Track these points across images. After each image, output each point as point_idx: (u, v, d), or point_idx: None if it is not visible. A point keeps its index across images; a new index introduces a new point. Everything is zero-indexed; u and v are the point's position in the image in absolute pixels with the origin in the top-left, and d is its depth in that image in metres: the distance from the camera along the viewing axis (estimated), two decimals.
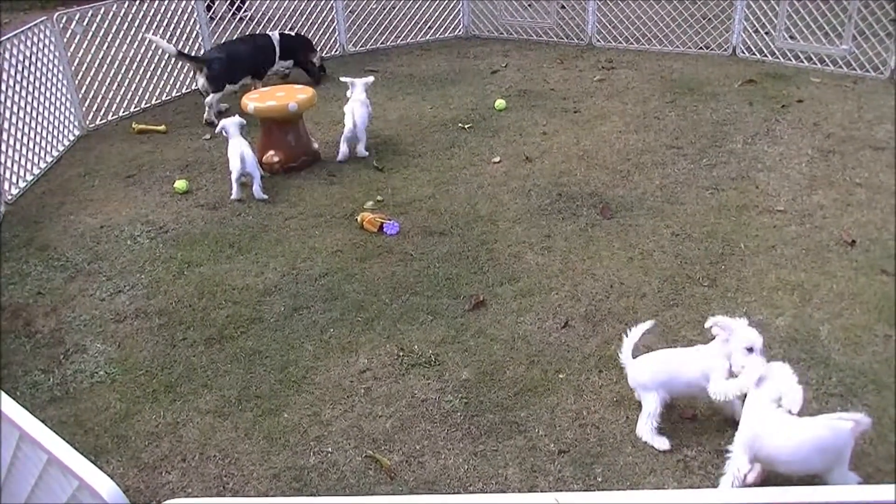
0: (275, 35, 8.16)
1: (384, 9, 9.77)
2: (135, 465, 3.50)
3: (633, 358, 3.54)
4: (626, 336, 3.54)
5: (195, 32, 8.27)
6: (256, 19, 9.57)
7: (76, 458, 1.93)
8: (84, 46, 7.87)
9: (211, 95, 7.51)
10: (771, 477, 3.19)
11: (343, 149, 6.47)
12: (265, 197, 5.88)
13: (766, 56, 8.28)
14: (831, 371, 3.78)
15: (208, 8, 9.00)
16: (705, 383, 3.37)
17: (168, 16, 8.07)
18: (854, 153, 6.00)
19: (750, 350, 3.25)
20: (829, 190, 5.48)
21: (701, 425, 3.53)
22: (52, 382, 4.06)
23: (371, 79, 6.68)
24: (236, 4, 9.44)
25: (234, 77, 7.67)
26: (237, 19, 9.60)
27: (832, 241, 4.87)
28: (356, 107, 6.45)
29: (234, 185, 5.91)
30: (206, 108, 7.53)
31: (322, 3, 9.20)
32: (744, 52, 8.45)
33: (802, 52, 8.10)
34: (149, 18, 8.01)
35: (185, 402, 3.87)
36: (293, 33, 8.41)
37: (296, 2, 9.33)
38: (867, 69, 7.62)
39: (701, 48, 8.71)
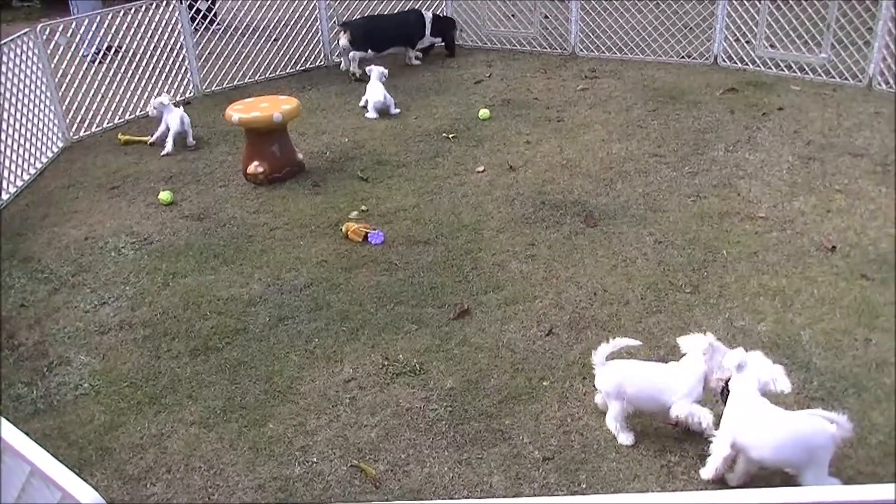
0: (427, 14, 9.35)
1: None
2: (119, 478, 3.49)
3: (605, 363, 3.55)
4: (608, 342, 3.55)
5: (179, 43, 8.27)
6: (241, 30, 9.55)
7: (59, 469, 1.93)
8: (68, 58, 7.86)
9: (352, 52, 8.89)
10: (764, 475, 3.22)
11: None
12: (194, 143, 7.19)
13: (746, 65, 8.37)
14: (812, 375, 3.82)
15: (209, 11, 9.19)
16: (668, 401, 3.41)
17: (153, 26, 8.07)
18: (833, 160, 6.07)
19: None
20: (810, 196, 5.55)
21: (683, 431, 3.54)
22: (35, 395, 4.04)
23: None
24: (209, 18, 9.49)
25: (373, 44, 8.97)
26: (210, 32, 9.60)
27: (813, 247, 4.93)
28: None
29: (170, 142, 7.05)
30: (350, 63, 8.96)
31: (307, 14, 9.22)
32: (725, 61, 8.53)
33: (782, 61, 8.19)
34: (132, 30, 8.02)
35: (170, 414, 3.87)
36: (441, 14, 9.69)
37: (280, 12, 9.36)
38: (846, 77, 7.72)
39: (683, 57, 8.78)
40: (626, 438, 3.50)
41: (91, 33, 7.97)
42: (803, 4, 8.15)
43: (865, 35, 7.76)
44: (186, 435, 3.72)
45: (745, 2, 8.23)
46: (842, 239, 4.98)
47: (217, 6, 10.42)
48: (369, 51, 8.96)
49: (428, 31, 9.32)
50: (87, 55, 8.28)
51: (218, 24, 10.09)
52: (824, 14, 7.92)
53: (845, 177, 5.79)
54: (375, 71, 7.78)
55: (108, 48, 8.30)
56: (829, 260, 4.78)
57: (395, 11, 9.78)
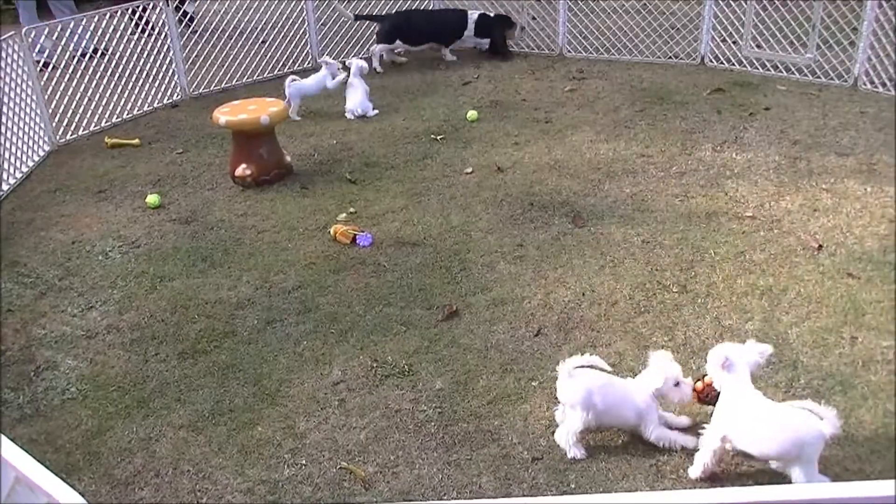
0: (473, 14, 9.23)
1: (356, 20, 9.78)
2: (107, 482, 3.48)
3: (572, 374, 3.44)
4: (579, 356, 3.46)
5: (166, 46, 8.25)
6: (228, 32, 9.50)
7: (45, 475, 1.93)
8: (54, 61, 7.83)
9: (377, 46, 9.21)
10: (752, 474, 3.24)
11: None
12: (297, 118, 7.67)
13: (733, 65, 8.41)
14: (800, 373, 3.84)
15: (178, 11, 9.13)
16: (629, 417, 3.44)
17: (139, 28, 8.04)
18: (820, 159, 6.10)
19: (677, 384, 3.39)
20: (796, 196, 5.57)
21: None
22: (22, 400, 4.02)
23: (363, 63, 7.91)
24: (184, 22, 9.44)
25: (403, 37, 9.19)
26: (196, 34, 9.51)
27: (799, 246, 4.95)
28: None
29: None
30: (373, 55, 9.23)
31: (294, 16, 9.21)
32: (712, 62, 8.57)
33: (769, 61, 8.24)
34: (119, 33, 7.99)
35: (158, 418, 3.85)
36: (492, 13, 9.37)
37: (267, 14, 9.34)
38: (831, 77, 7.76)
39: (670, 57, 8.82)
40: (578, 452, 3.43)
41: (77, 35, 7.90)
42: (789, 5, 8.20)
43: (850, 35, 7.81)
44: (175, 438, 3.71)
45: (732, 2, 8.27)
46: (828, 238, 5.01)
47: (193, 10, 10.35)
48: (397, 42, 9.17)
49: (470, 31, 9.22)
50: (77, 51, 8.16)
51: (194, 28, 10.01)
52: (809, 14, 7.96)
53: (831, 176, 5.82)
54: (354, 65, 7.74)
55: (95, 50, 8.23)
56: (816, 259, 4.81)
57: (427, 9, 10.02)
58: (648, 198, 5.69)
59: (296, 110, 7.66)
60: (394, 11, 9.56)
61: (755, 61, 8.30)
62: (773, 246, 4.98)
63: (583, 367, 3.44)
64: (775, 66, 8.19)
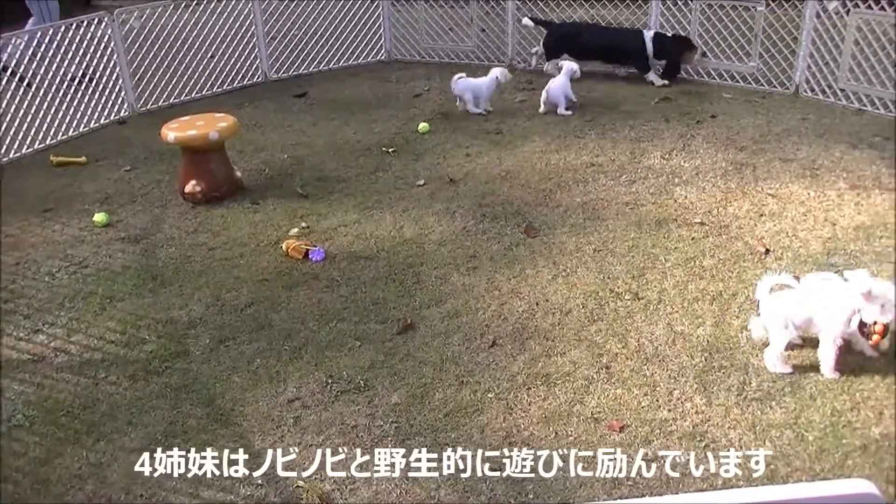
0: (648, 33, 8.50)
1: (306, 34, 9.74)
2: None
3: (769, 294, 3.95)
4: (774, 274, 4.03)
5: (112, 62, 8.12)
6: (176, 47, 9.35)
7: None
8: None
9: (547, 63, 9.07)
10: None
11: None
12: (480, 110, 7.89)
13: (680, 74, 8.55)
14: (751, 377, 3.91)
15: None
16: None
17: (84, 44, 7.91)
18: (765, 165, 6.23)
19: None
20: (743, 201, 5.68)
21: (627, 437, 3.60)
22: None
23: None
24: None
25: (570, 50, 8.75)
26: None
27: (747, 251, 5.05)
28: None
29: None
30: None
31: (242, 30, 9.14)
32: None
33: (714, 69, 8.40)
34: (63, 48, 7.84)
35: (110, 442, 3.77)
36: (670, 34, 8.60)
37: (216, 28, 9.24)
38: (774, 84, 7.95)
39: (618, 67, 8.94)
40: (784, 368, 3.92)
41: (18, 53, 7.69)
42: (731, 15, 8.37)
43: (791, 44, 8.00)
44: (126, 463, 3.63)
45: (677, 13, 8.43)
46: (774, 242, 5.12)
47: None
48: (565, 56, 8.66)
49: (650, 52, 8.42)
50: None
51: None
52: (752, 24, 8.15)
53: (776, 181, 5.95)
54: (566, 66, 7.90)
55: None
56: (764, 263, 4.90)
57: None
58: (599, 206, 5.76)
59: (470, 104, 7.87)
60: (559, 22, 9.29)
61: (701, 70, 8.46)
62: (721, 251, 5.06)
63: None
64: (720, 74, 8.36)
